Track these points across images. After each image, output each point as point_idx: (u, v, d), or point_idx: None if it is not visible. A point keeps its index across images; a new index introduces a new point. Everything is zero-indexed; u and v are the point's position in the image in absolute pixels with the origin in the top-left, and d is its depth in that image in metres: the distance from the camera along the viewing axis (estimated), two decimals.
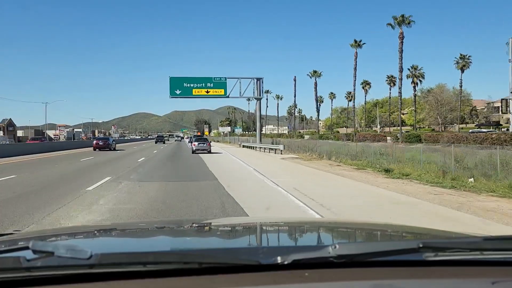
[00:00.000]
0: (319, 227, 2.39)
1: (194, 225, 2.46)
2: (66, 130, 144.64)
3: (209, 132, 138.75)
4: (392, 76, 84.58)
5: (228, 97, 51.70)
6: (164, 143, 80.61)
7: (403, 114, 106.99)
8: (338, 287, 1.16)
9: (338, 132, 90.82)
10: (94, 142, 44.54)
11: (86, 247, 1.10)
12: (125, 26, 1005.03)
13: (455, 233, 1.96)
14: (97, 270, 1.10)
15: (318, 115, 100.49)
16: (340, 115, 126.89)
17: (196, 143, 37.00)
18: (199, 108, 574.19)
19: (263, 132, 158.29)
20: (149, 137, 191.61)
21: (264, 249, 1.55)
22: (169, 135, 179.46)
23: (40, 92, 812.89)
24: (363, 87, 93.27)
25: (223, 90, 50.49)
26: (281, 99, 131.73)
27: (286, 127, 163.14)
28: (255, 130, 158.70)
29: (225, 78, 50.76)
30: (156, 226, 2.49)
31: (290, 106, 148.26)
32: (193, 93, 50.02)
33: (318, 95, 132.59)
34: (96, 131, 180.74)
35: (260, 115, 55.28)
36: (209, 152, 36.35)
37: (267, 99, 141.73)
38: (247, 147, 51.50)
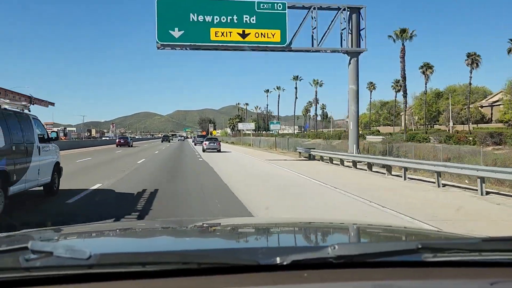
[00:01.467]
0: (319, 227, 2.39)
1: (193, 225, 2.46)
2: (57, 128, 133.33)
3: (214, 131, 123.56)
4: (474, 54, 60.08)
5: (289, 48, 24.16)
6: (169, 141, 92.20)
7: (485, 106, 76.67)
8: (337, 287, 1.17)
9: (379, 131, 71.55)
10: (117, 140, 59.03)
11: (85, 247, 1.10)
12: (127, 24, 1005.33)
13: (453, 234, 1.96)
14: (96, 270, 1.10)
15: (406, 101, 67.31)
16: (381, 111, 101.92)
17: (207, 142, 41.03)
18: (202, 108, 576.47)
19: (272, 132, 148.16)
20: (153, 136, 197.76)
21: (263, 249, 1.55)
22: (172, 134, 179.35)
23: (43, 92, 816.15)
24: (423, 72, 68.18)
25: (277, 33, 23.43)
26: (320, 85, 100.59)
27: (296, 127, 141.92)
28: (265, 129, 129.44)
29: (284, 4, 23.66)
30: (156, 226, 2.50)
31: (310, 101, 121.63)
32: (211, 37, 23.12)
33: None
34: (94, 131, 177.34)
35: (357, 90, 25.00)
36: (219, 151, 39.64)
37: (281, 89, 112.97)
38: (328, 159, 24.97)
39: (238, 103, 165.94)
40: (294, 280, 1.15)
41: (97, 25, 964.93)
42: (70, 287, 1.09)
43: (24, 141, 9.23)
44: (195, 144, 66.45)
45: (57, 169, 11.21)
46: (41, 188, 10.47)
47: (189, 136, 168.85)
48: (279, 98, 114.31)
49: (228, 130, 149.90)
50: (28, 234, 1.84)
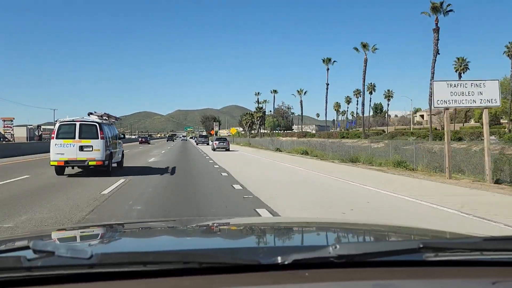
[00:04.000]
0: (320, 227, 2.39)
1: (194, 224, 2.47)
2: (29, 127, 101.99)
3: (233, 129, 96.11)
4: None
5: None
6: (173, 141, 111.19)
7: None
8: (338, 287, 1.17)
9: (503, 128, 36.49)
10: (140, 139, 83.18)
11: (86, 247, 1.11)
12: (128, 24, 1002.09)
13: (455, 234, 1.96)
14: (98, 270, 1.10)
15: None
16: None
17: (217, 142, 43.08)
18: (203, 107, 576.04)
19: (294, 130, 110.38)
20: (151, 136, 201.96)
21: (264, 249, 1.55)
22: (172, 134, 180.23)
23: (41, 92, 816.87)
24: None
25: None
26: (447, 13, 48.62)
27: (313, 126, 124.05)
28: (286, 128, 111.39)
29: None
30: (157, 226, 2.51)
31: (355, 90, 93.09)
32: None
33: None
34: None
35: None
36: (227, 150, 41.51)
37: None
38: None
39: (258, 93, 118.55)
40: (295, 280, 1.15)
41: (96, 23, 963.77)
42: (72, 286, 1.10)
43: (117, 137, 18.52)
44: (197, 144, 66.99)
45: (123, 154, 20.36)
46: (115, 164, 18.50)
47: (190, 135, 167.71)
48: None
49: (240, 129, 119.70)
50: (30, 234, 1.84)
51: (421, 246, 1.21)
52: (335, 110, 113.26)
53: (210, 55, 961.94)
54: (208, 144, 65.33)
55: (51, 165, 15.38)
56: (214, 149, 42.05)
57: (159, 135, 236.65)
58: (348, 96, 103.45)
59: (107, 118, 17.96)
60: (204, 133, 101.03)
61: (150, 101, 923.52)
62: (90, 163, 15.27)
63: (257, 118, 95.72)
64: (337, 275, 1.19)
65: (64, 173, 15.90)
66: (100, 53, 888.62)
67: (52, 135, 15.64)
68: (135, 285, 1.12)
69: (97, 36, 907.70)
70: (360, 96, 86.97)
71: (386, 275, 1.21)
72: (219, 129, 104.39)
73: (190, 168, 20.08)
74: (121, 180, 14.06)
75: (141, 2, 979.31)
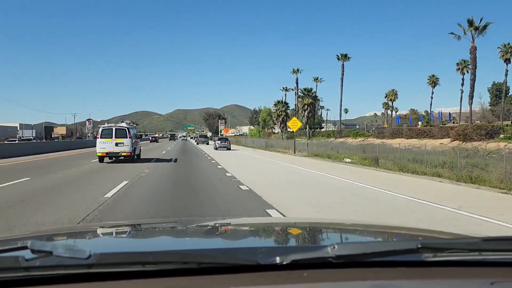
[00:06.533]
0: (318, 227, 2.39)
1: (193, 225, 2.47)
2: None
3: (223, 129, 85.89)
4: None
5: None
6: (174, 140, 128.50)
7: None
8: (336, 287, 1.17)
9: None
10: (150, 139, 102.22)
11: (85, 247, 1.10)
12: (126, 23, 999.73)
13: (454, 234, 1.96)
14: (96, 270, 1.10)
15: None
16: None
17: (218, 142, 44.64)
18: (203, 107, 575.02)
19: (325, 128, 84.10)
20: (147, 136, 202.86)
21: (263, 249, 1.55)
22: (172, 134, 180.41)
23: (36, 91, 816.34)
24: None
25: None
26: None
27: (330, 124, 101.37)
28: (317, 126, 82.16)
29: None
30: (156, 226, 2.50)
31: (460, 62, 59.92)
32: None
33: None
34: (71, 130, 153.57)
35: None
36: (228, 149, 42.11)
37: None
38: None
39: (298, 70, 78.07)
40: (294, 280, 1.15)
41: (95, 22, 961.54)
42: (70, 286, 1.10)
43: (136, 137, 25.97)
44: (197, 144, 67.67)
45: (140, 149, 27.34)
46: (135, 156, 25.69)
47: (190, 135, 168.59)
48: None
49: (250, 128, 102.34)
50: (28, 234, 1.84)
51: (420, 246, 1.21)
52: (390, 100, 79.94)
53: (210, 55, 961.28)
54: (208, 144, 65.79)
55: (97, 155, 23.00)
56: (216, 148, 42.80)
57: (157, 135, 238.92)
58: (433, 75, 69.61)
59: (132, 124, 26.48)
60: (205, 133, 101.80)
61: (149, 100, 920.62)
62: (122, 154, 23.10)
63: (303, 107, 56.10)
64: (336, 275, 1.19)
65: (104, 161, 23.45)
66: (98, 52, 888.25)
67: (97, 136, 23.76)
68: (134, 285, 1.12)
69: (95, 35, 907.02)
70: (468, 71, 50.79)
71: (384, 275, 1.21)
72: (224, 127, 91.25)
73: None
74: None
75: (140, 2, 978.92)
